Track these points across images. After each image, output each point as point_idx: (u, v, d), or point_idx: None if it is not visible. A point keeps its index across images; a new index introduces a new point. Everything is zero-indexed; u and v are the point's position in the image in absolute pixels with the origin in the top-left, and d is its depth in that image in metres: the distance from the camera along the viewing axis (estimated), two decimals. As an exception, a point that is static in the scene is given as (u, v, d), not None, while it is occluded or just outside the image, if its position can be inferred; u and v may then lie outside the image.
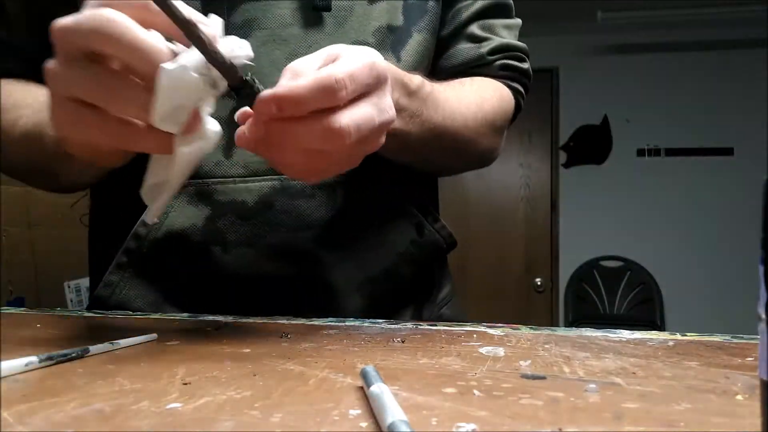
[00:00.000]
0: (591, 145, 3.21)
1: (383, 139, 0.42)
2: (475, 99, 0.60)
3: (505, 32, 0.68)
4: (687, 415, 0.26)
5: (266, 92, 0.36)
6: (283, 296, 0.56)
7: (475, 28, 0.66)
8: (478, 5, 0.66)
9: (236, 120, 0.40)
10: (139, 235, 0.55)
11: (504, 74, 0.67)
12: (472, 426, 0.25)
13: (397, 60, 0.58)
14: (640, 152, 3.16)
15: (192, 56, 0.35)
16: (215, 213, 0.55)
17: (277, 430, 0.24)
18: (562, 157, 3.24)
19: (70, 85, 0.35)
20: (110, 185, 0.58)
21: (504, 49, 0.67)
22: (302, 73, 0.38)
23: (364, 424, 0.25)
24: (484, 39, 0.66)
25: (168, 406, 0.27)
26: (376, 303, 0.59)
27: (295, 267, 0.56)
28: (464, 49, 0.66)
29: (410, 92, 0.50)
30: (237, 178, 0.55)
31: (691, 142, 3.09)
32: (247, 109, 0.39)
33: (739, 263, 2.97)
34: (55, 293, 1.76)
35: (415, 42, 0.60)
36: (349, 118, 0.37)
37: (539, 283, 3.29)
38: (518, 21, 0.69)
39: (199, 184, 0.55)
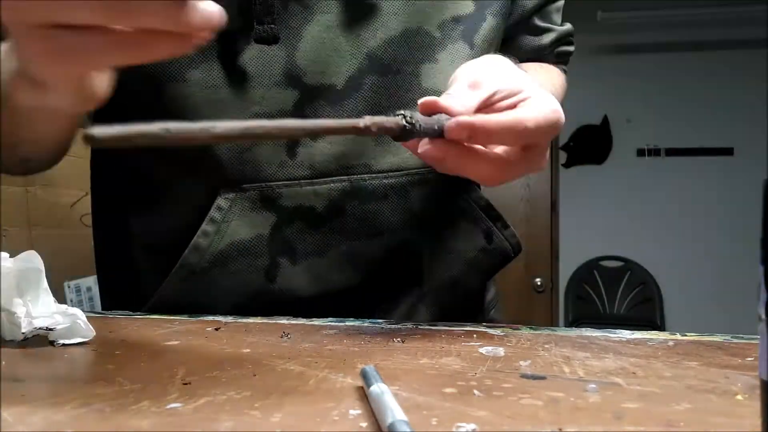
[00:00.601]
0: (591, 145, 3.20)
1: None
2: (555, 92, 0.63)
3: (557, 16, 0.70)
4: (687, 415, 0.26)
5: (463, 118, 0.38)
6: (346, 307, 0.53)
7: (536, 20, 0.67)
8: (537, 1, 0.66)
9: (421, 152, 0.40)
10: (199, 247, 0.51)
11: (559, 60, 0.71)
12: (472, 426, 0.25)
13: (471, 47, 0.57)
14: (640, 152, 3.15)
15: None
16: (281, 221, 0.52)
17: (277, 430, 0.24)
18: (562, 157, 3.23)
19: (55, 10, 0.27)
20: (109, 179, 0.57)
21: (560, 38, 0.70)
22: (482, 85, 0.41)
23: (364, 424, 0.25)
24: (544, 30, 0.68)
25: (168, 406, 0.27)
26: (441, 313, 0.58)
27: (364, 276, 0.54)
28: (526, 41, 0.68)
29: None
30: (303, 180, 0.51)
31: (691, 142, 3.09)
32: (430, 100, 0.40)
33: (739, 263, 2.97)
34: (55, 293, 1.76)
35: (489, 26, 0.58)
36: (514, 172, 0.42)
37: (539, 283, 3.29)
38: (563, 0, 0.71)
39: (262, 188, 0.51)
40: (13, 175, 0.54)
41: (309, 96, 0.51)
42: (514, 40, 0.67)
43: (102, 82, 0.34)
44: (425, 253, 0.58)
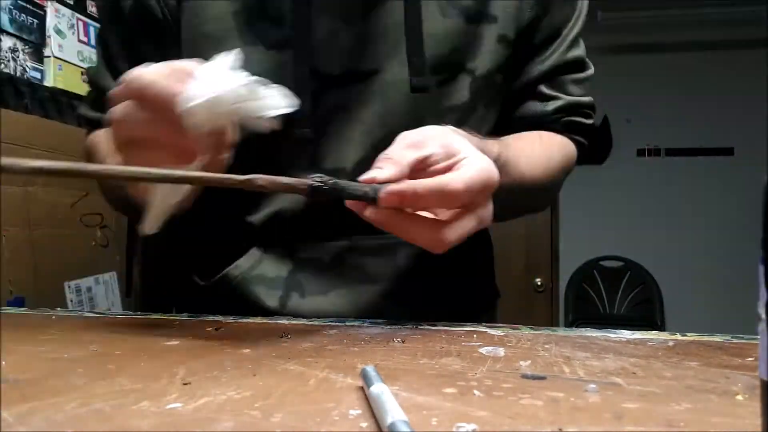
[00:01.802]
0: (591, 145, 3.20)
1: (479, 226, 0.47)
2: (542, 162, 0.64)
3: (574, 88, 0.69)
4: (687, 415, 0.26)
5: (392, 187, 0.42)
6: None
7: (543, 87, 0.67)
8: (548, 64, 0.67)
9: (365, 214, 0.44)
10: (229, 275, 0.62)
11: (568, 129, 0.70)
12: (472, 426, 0.25)
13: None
14: (640, 152, 3.15)
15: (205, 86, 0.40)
16: (297, 267, 0.62)
17: (277, 430, 0.24)
18: (562, 157, 3.24)
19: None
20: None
21: (569, 107, 0.69)
22: (421, 147, 0.45)
23: (364, 424, 0.25)
24: (551, 98, 0.68)
25: (168, 406, 0.27)
26: None
27: (357, 312, 0.62)
28: (531, 106, 0.68)
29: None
30: (316, 241, 0.62)
31: (691, 142, 3.09)
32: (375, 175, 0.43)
33: (739, 263, 2.96)
34: (55, 293, 1.76)
35: (478, 116, 0.64)
36: (455, 234, 0.44)
37: (539, 283, 3.28)
38: (590, 72, 0.71)
39: (284, 245, 0.62)
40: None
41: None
42: (520, 105, 0.68)
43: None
44: (415, 302, 0.64)
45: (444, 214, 0.45)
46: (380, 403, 0.25)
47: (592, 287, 3.19)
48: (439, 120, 0.58)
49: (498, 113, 0.68)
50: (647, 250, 3.12)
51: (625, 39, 3.09)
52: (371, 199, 0.42)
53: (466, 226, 0.44)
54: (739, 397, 0.29)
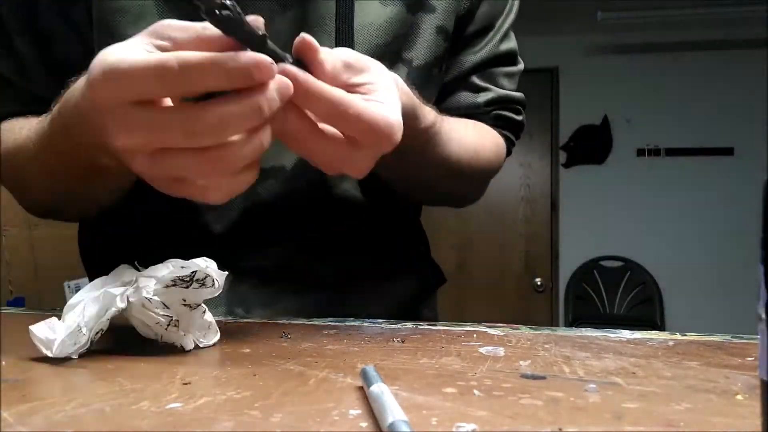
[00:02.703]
0: (591, 145, 3.20)
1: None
2: (474, 146, 0.63)
3: (506, 81, 0.69)
4: (687, 415, 0.26)
5: (304, 75, 0.36)
6: None
7: (475, 78, 0.67)
8: (481, 55, 0.66)
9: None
10: None
11: (497, 124, 0.69)
12: (472, 426, 0.25)
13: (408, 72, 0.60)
14: (640, 152, 3.15)
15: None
16: (237, 279, 0.57)
17: (277, 430, 0.24)
18: (562, 157, 3.23)
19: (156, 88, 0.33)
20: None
21: (501, 101, 0.68)
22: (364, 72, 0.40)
23: (364, 424, 0.25)
24: (483, 89, 0.67)
25: (168, 406, 0.27)
26: None
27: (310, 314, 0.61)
28: (462, 97, 0.67)
29: (422, 128, 0.51)
30: (257, 246, 0.58)
31: (691, 142, 3.09)
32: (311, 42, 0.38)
33: (739, 263, 2.97)
34: (55, 293, 1.76)
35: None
36: (363, 160, 0.40)
37: (539, 283, 3.29)
38: (520, 67, 0.71)
39: (223, 253, 0.55)
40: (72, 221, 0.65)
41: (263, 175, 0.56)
42: (452, 96, 0.67)
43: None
44: (363, 304, 0.62)
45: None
46: (380, 403, 0.25)
47: (592, 287, 3.18)
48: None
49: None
50: (647, 250, 3.12)
51: (625, 39, 3.09)
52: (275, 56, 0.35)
53: (349, 161, 0.40)
54: (739, 397, 0.29)
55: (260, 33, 0.34)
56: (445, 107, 0.67)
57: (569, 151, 3.23)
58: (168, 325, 0.39)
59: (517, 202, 3.30)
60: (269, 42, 0.35)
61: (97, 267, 0.66)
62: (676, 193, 3.11)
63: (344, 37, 0.57)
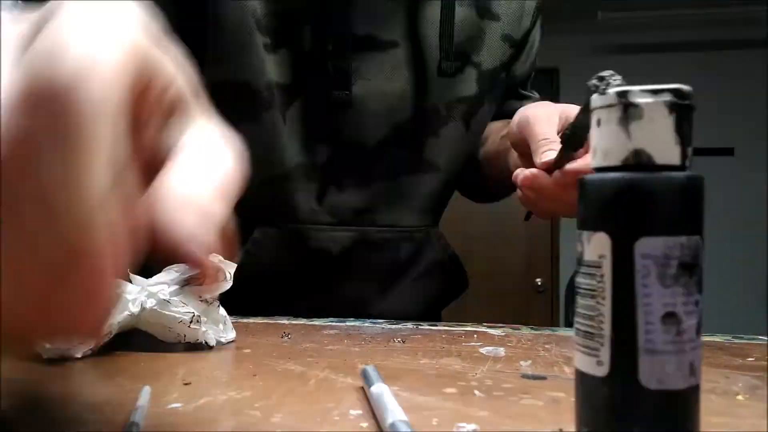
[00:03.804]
0: (591, 145, 3.21)
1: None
2: None
3: (529, 85, 0.76)
4: (688, 415, 0.26)
5: (574, 166, 0.44)
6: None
7: (520, 89, 0.74)
8: (527, 69, 0.73)
9: (516, 180, 0.49)
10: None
11: None
12: (472, 426, 0.25)
13: (467, 128, 0.65)
14: (640, 152, 3.16)
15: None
16: (304, 259, 0.61)
17: (277, 430, 0.24)
18: (562, 157, 3.24)
19: None
20: None
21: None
22: (552, 123, 0.49)
23: (364, 424, 0.25)
24: (526, 97, 0.74)
25: (168, 406, 0.27)
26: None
27: (352, 311, 0.62)
28: (510, 104, 0.72)
29: None
30: (326, 226, 0.62)
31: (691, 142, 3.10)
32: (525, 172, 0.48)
33: (739, 263, 2.97)
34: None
35: (484, 111, 0.67)
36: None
37: (539, 283, 3.29)
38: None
39: (296, 229, 0.61)
40: None
41: (342, 152, 0.61)
42: (505, 105, 0.72)
43: None
44: (399, 300, 0.67)
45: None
46: (380, 403, 0.25)
47: (591, 287, 3.18)
48: (449, 110, 0.63)
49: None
50: (647, 250, 3.12)
51: (625, 39, 3.09)
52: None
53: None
54: (739, 397, 0.29)
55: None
56: (498, 114, 0.73)
57: (569, 151, 3.23)
58: (191, 322, 0.39)
59: (518, 202, 3.29)
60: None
61: None
62: (676, 193, 3.11)
63: (445, 31, 0.60)
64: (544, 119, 0.49)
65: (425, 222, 0.67)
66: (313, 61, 0.58)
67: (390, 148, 0.62)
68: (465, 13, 0.62)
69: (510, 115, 0.71)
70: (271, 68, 0.57)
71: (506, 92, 0.72)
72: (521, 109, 0.54)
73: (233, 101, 0.53)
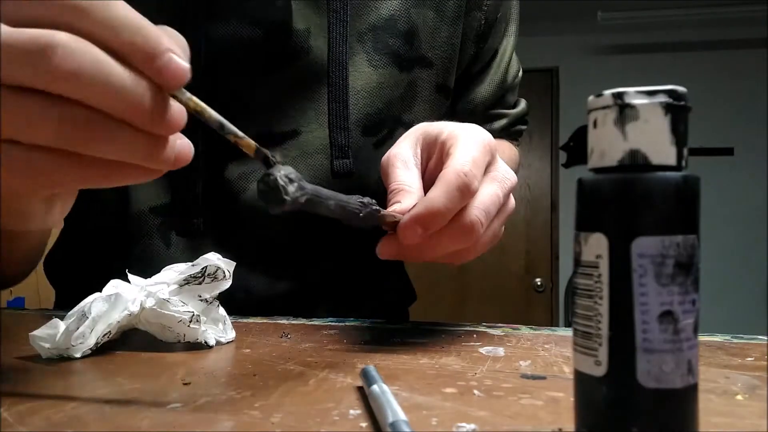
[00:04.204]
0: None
1: (512, 202, 0.44)
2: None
3: (510, 95, 0.69)
4: (687, 414, 0.26)
5: (407, 217, 0.35)
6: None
7: (487, 111, 0.67)
8: (490, 90, 0.66)
9: (378, 254, 0.39)
10: None
11: (510, 138, 0.72)
12: (472, 426, 0.25)
13: None
14: (640, 152, 3.15)
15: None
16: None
17: (277, 430, 0.24)
18: (562, 157, 3.23)
19: (17, 129, 0.24)
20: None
21: (512, 123, 0.70)
22: (410, 163, 0.40)
23: (364, 424, 0.25)
24: (496, 117, 0.68)
25: (168, 406, 0.27)
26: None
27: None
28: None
29: None
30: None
31: (691, 142, 3.04)
32: (385, 242, 0.38)
33: (739, 263, 2.97)
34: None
35: None
36: (477, 209, 0.37)
37: (539, 283, 3.29)
38: (521, 75, 0.71)
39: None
40: None
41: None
42: None
43: (58, 206, 0.30)
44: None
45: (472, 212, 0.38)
46: (380, 403, 0.25)
47: (592, 287, 3.18)
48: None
49: None
50: (647, 250, 3.11)
51: (625, 39, 3.10)
52: (370, 220, 0.35)
53: (486, 194, 0.38)
54: (739, 397, 0.29)
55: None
56: None
57: (569, 151, 3.22)
58: (190, 321, 0.39)
59: (517, 202, 3.27)
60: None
61: (64, 286, 0.64)
62: (676, 193, 3.11)
63: (336, 112, 0.54)
64: (398, 161, 0.41)
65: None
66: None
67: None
68: (382, 74, 0.56)
69: None
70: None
71: (466, 117, 0.63)
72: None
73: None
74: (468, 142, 0.39)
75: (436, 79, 0.59)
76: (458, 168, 0.36)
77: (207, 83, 0.49)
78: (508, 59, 0.67)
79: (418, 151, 0.42)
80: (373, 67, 0.55)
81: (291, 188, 0.27)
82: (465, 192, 0.36)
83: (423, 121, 0.52)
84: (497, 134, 0.68)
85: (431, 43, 0.58)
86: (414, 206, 0.36)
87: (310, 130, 0.54)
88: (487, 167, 0.40)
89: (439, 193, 0.36)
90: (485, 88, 0.66)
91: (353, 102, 0.55)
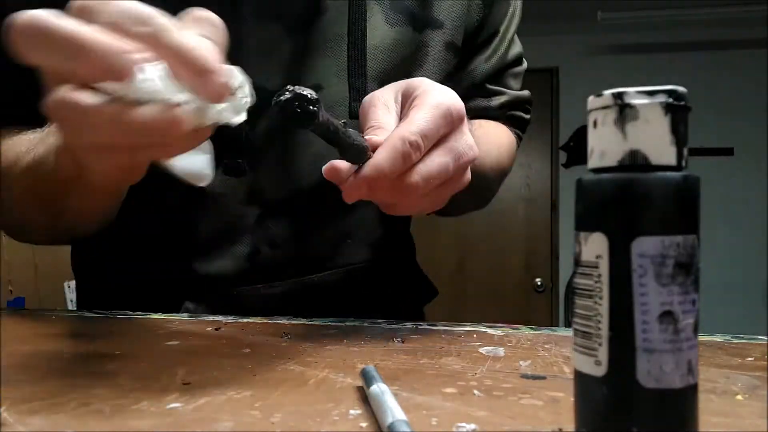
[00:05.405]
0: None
1: (468, 176, 0.44)
2: (497, 149, 0.64)
3: (513, 81, 0.70)
4: (687, 414, 0.26)
5: (358, 179, 0.39)
6: None
7: (486, 84, 0.68)
8: (492, 64, 0.67)
9: (324, 173, 0.40)
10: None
11: (512, 124, 0.71)
12: (472, 426, 0.25)
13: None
14: (640, 152, 3.15)
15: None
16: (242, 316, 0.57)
17: (277, 430, 0.24)
18: (562, 157, 3.23)
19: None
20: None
21: (512, 103, 0.70)
22: (390, 108, 0.43)
23: (364, 424, 0.25)
24: (495, 93, 0.69)
25: (168, 406, 0.27)
26: None
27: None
28: (476, 102, 0.68)
29: None
30: (261, 285, 0.57)
31: (691, 142, 3.04)
32: (335, 165, 0.40)
33: (739, 263, 2.97)
34: (55, 293, 1.76)
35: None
36: (419, 174, 0.40)
37: (539, 283, 3.29)
38: (525, 67, 0.72)
39: (225, 297, 0.56)
40: (57, 244, 0.60)
41: (270, 211, 0.57)
42: (465, 102, 0.68)
43: (137, 167, 0.36)
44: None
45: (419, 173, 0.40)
46: (380, 403, 0.25)
47: (592, 287, 3.18)
48: None
49: None
50: (647, 250, 3.11)
51: (625, 39, 3.09)
52: (360, 156, 0.38)
53: (434, 163, 0.40)
54: (739, 397, 0.29)
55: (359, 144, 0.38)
56: None
57: (569, 151, 3.22)
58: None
59: (517, 202, 3.30)
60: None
61: (88, 279, 0.65)
62: (676, 193, 3.10)
63: (356, 65, 0.56)
64: (380, 103, 0.43)
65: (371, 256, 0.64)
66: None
67: (325, 196, 0.56)
68: (398, 32, 0.58)
69: (475, 112, 0.67)
70: None
71: (467, 91, 0.66)
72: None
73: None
74: (429, 107, 0.41)
75: (444, 38, 0.61)
76: (405, 135, 0.39)
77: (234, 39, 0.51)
78: (509, 40, 0.68)
79: (399, 97, 0.44)
80: (390, 25, 0.58)
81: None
82: (407, 159, 0.39)
83: (432, 79, 0.55)
84: (495, 112, 0.68)
85: (442, 3, 0.61)
86: (362, 166, 0.39)
87: (331, 84, 0.56)
88: (447, 136, 0.41)
89: (384, 156, 0.38)
90: (488, 63, 0.67)
91: (370, 57, 0.57)
